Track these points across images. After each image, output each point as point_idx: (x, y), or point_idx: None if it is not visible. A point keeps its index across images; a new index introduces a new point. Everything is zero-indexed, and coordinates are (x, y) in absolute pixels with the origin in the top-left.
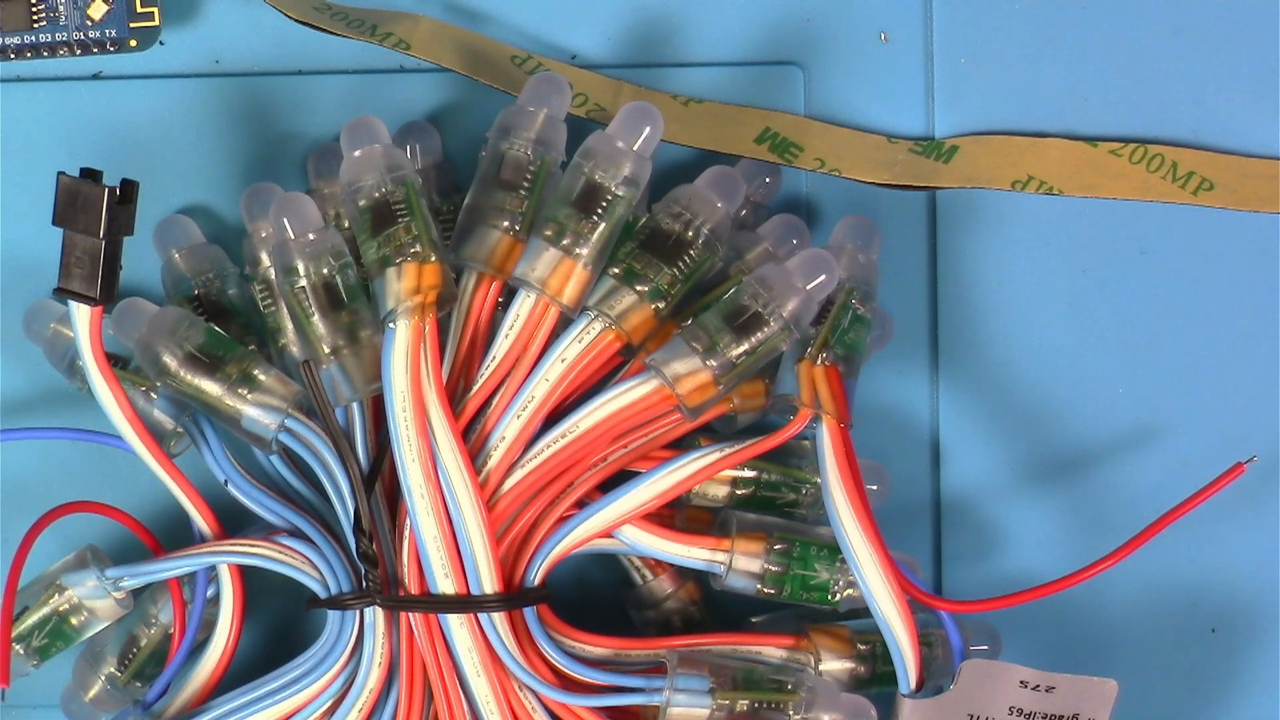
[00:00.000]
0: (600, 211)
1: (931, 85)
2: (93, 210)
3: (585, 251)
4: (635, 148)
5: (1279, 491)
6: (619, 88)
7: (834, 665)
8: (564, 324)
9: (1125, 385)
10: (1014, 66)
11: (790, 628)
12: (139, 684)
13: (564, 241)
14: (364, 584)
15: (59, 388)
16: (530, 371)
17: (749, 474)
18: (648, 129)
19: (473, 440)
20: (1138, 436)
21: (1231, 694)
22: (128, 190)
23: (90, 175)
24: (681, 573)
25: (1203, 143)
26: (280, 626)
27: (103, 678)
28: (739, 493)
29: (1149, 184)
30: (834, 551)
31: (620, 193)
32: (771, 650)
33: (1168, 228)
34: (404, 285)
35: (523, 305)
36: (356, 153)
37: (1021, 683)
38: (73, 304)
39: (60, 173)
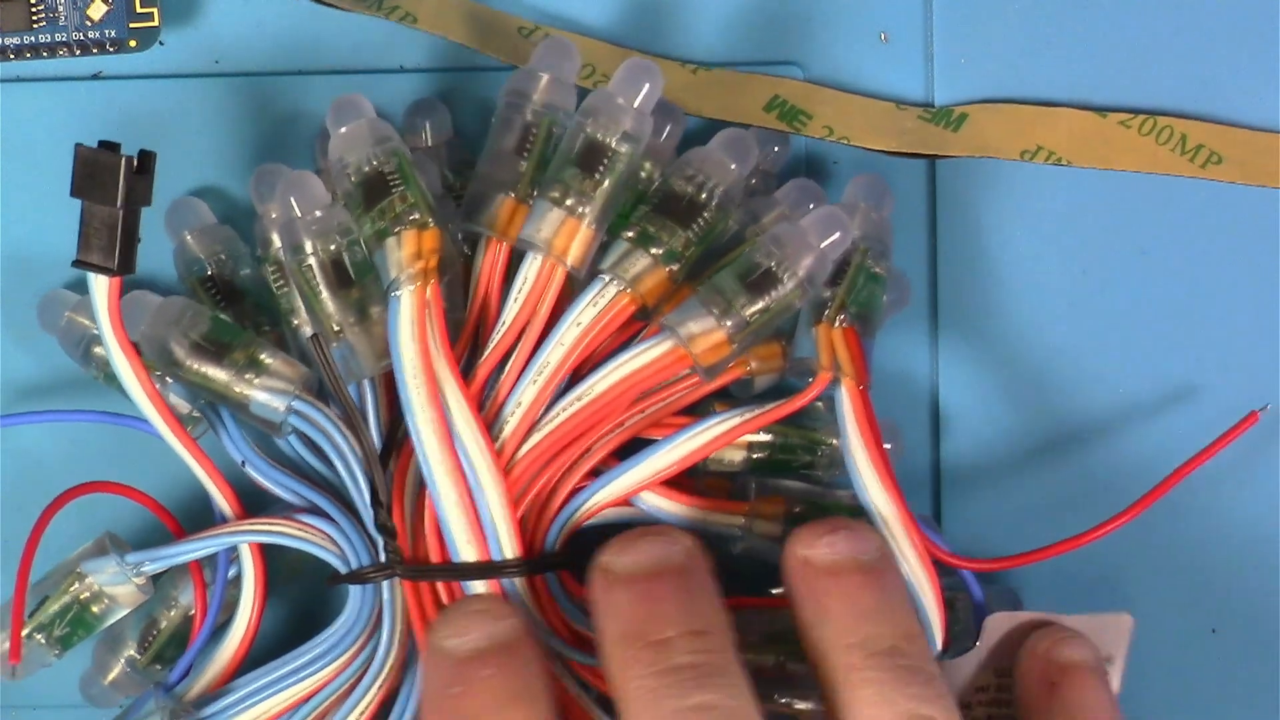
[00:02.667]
0: (602, 169)
1: (932, 86)
2: (110, 180)
3: (588, 210)
4: (635, 104)
5: None
6: (627, 56)
7: None
8: (577, 290)
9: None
10: (1014, 69)
11: None
12: (159, 667)
13: (568, 201)
14: (384, 556)
15: (63, 385)
16: (543, 335)
17: (765, 438)
18: (647, 85)
19: (487, 407)
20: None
21: (1231, 694)
22: (145, 160)
23: (108, 146)
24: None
25: (1213, 116)
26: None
27: (122, 660)
28: (755, 456)
29: (1158, 156)
30: (854, 514)
31: (621, 149)
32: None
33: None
34: (405, 253)
35: (530, 268)
36: (343, 129)
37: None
38: (91, 276)
39: (78, 144)
